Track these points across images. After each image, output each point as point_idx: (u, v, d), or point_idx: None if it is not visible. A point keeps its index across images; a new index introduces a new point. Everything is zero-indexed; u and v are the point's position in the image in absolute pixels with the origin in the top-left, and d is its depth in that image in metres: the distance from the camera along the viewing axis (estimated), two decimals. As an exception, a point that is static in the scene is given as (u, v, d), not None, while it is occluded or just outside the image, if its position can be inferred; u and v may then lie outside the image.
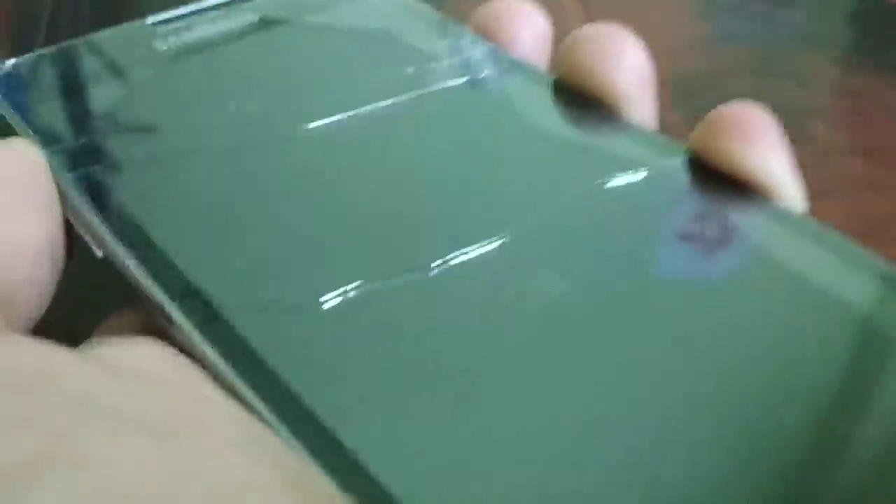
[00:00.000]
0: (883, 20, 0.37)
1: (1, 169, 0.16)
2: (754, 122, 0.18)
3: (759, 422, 0.13)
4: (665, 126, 0.29)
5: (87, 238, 0.16)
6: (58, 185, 0.17)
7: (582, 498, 0.12)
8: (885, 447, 0.13)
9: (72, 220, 0.17)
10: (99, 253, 0.16)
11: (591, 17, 0.36)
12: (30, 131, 0.18)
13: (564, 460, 0.12)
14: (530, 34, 0.21)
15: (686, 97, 0.32)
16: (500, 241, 0.16)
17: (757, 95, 0.33)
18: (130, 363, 0.13)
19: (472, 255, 0.15)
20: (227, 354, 0.14)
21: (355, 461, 0.12)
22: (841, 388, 0.14)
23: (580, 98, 0.19)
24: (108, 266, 0.16)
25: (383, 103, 0.19)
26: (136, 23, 0.22)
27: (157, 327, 0.15)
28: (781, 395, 0.13)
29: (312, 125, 0.18)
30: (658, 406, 0.13)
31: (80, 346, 0.14)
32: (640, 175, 0.17)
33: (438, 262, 0.15)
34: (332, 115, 0.19)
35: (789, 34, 0.36)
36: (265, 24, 0.22)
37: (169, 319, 0.14)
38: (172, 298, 0.15)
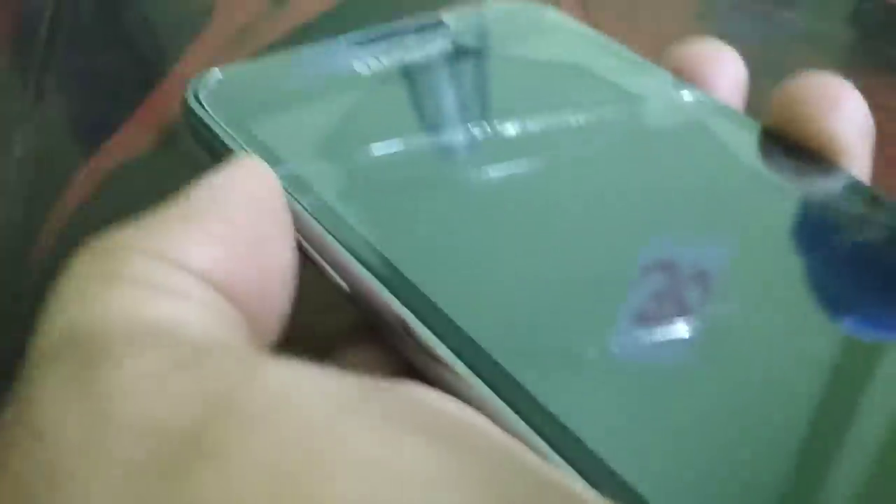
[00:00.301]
0: (883, 20, 0.37)
1: (246, 187, 0.16)
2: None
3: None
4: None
5: (329, 269, 0.16)
6: (292, 208, 0.16)
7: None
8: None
9: (308, 247, 0.16)
10: (345, 286, 0.16)
11: (590, 18, 0.36)
12: (247, 149, 0.18)
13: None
14: (728, 81, 0.20)
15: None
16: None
17: (757, 96, 0.33)
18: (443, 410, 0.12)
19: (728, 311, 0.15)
20: (515, 404, 0.13)
21: None
22: None
23: (794, 147, 0.18)
24: (354, 299, 0.15)
25: (592, 145, 0.19)
26: (333, 42, 0.22)
27: (416, 368, 0.14)
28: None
29: (530, 165, 0.18)
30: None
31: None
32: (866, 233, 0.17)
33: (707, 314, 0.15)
34: (544, 155, 0.18)
35: (789, 34, 0.36)
36: (459, 52, 0.22)
37: (447, 367, 0.14)
38: (453, 347, 0.14)
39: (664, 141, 0.19)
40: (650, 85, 0.21)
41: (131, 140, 0.30)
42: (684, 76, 0.20)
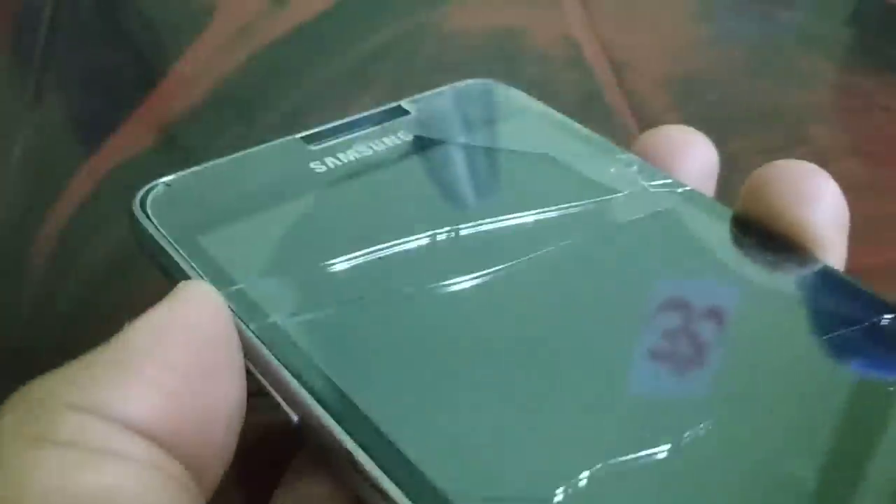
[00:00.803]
0: (882, 20, 0.37)
1: (189, 321, 0.15)
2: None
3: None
4: (665, 125, 0.29)
5: (279, 398, 0.15)
6: (239, 334, 0.15)
7: None
8: None
9: (256, 373, 0.15)
10: (294, 417, 0.15)
11: (591, 18, 0.36)
12: (195, 267, 0.17)
13: None
14: (698, 167, 0.20)
15: (686, 97, 0.32)
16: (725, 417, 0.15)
17: (757, 96, 0.33)
18: None
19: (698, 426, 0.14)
20: None
21: None
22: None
23: (766, 234, 0.18)
24: (303, 430, 0.14)
25: (561, 242, 0.18)
26: (288, 140, 0.21)
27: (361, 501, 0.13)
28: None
29: (498, 268, 0.17)
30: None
31: None
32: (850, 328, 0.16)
33: (685, 434, 0.14)
34: (516, 254, 0.17)
35: (789, 34, 0.36)
36: (421, 144, 0.21)
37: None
38: (402, 486, 0.13)
39: (634, 231, 0.18)
40: (619, 171, 0.20)
41: (131, 140, 0.30)
42: (654, 162, 0.20)
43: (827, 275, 0.17)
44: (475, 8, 0.36)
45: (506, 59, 0.34)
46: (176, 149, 0.30)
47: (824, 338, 0.16)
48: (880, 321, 0.16)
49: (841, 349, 0.16)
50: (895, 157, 0.30)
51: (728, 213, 0.19)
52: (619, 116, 0.31)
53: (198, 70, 0.33)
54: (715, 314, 0.17)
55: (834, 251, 0.18)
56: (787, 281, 0.17)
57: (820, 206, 0.18)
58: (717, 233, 0.18)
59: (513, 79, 0.23)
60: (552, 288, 0.17)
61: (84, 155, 0.30)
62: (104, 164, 0.29)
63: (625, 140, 0.24)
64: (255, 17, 0.36)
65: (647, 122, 0.31)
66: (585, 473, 0.13)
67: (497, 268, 0.17)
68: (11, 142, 0.30)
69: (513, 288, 0.17)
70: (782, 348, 0.16)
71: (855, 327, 0.16)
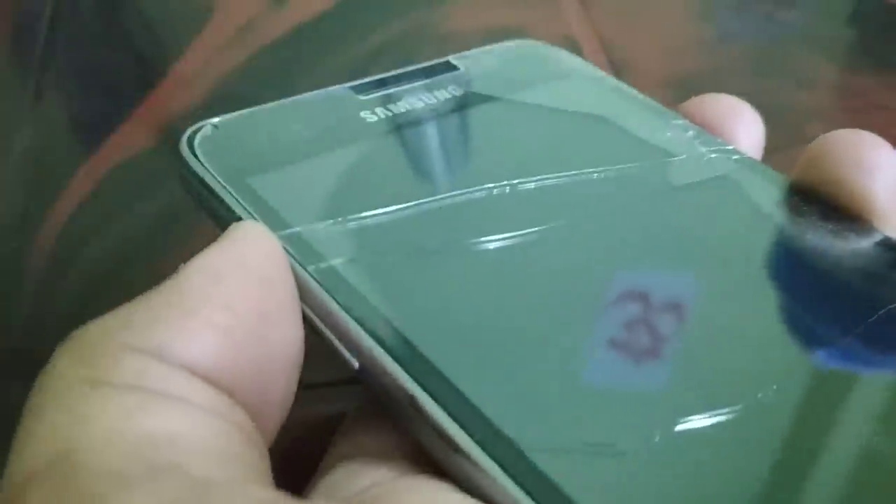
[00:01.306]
0: (883, 20, 0.37)
1: (247, 263, 0.14)
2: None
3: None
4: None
5: (338, 344, 0.14)
6: (296, 277, 0.15)
7: None
8: None
9: (313, 318, 0.15)
10: (355, 363, 0.14)
11: (590, 18, 0.36)
12: (247, 209, 0.16)
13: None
14: (748, 138, 0.20)
15: (685, 97, 0.32)
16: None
17: (757, 96, 0.33)
18: None
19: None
20: (537, 497, 0.12)
21: None
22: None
23: (824, 204, 0.18)
24: (363, 375, 0.14)
25: (613, 200, 0.18)
26: (337, 88, 0.20)
27: (427, 454, 0.13)
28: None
29: (554, 224, 0.17)
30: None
31: (328, 477, 0.13)
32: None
33: (759, 394, 0.14)
34: (573, 212, 0.17)
35: (789, 34, 0.36)
36: (472, 99, 0.21)
37: (459, 450, 0.13)
38: (470, 433, 0.13)
39: (688, 194, 0.18)
40: (675, 135, 0.20)
41: (131, 139, 0.30)
42: (705, 127, 0.20)
43: (886, 245, 0.17)
44: (474, 8, 0.36)
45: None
46: (176, 148, 0.30)
47: (886, 309, 0.16)
48: None
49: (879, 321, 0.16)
50: None
51: (786, 181, 0.18)
52: (619, 116, 0.31)
53: (198, 70, 0.33)
54: (770, 281, 0.16)
55: (893, 221, 0.18)
56: (844, 250, 0.17)
57: (880, 175, 0.17)
58: (774, 200, 0.18)
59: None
60: (611, 247, 0.17)
61: (83, 154, 0.30)
62: (104, 164, 0.29)
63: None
64: (254, 17, 0.36)
65: (648, 121, 0.31)
66: (657, 430, 0.13)
67: (553, 224, 0.17)
68: (11, 142, 0.30)
69: (572, 244, 0.17)
70: (842, 318, 0.16)
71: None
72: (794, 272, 0.17)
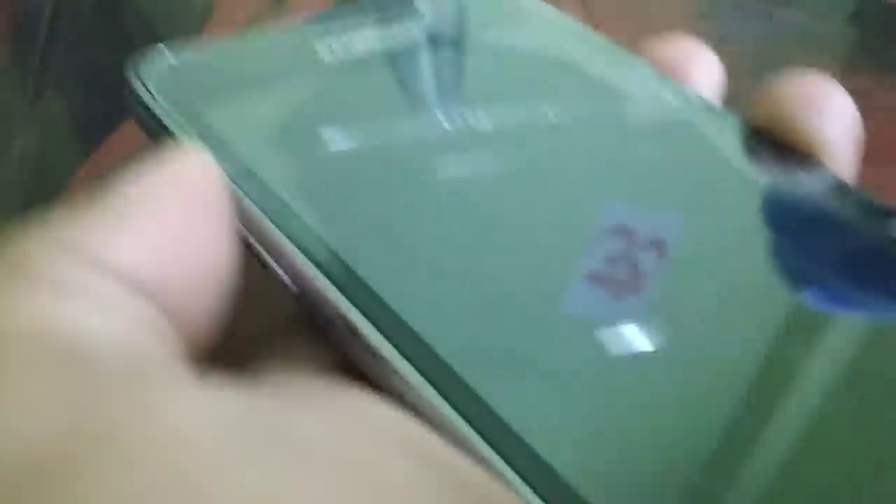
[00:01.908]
0: (883, 20, 0.37)
1: (180, 178, 0.14)
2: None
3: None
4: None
5: (274, 265, 0.15)
6: (236, 202, 0.15)
7: None
8: None
9: (254, 243, 0.15)
10: (293, 287, 0.15)
11: (591, 17, 0.36)
12: (196, 137, 0.16)
13: None
14: (707, 78, 0.20)
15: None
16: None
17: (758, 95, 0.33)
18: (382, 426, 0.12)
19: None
20: (464, 412, 0.13)
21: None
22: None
23: (777, 143, 0.18)
24: (300, 297, 0.14)
25: (569, 139, 0.18)
26: (296, 25, 0.20)
27: (365, 374, 0.14)
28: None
29: (507, 160, 0.17)
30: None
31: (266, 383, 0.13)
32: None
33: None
34: (515, 151, 0.17)
35: (790, 34, 0.36)
36: (431, 39, 0.20)
37: (398, 376, 0.13)
38: (402, 351, 0.13)
39: (646, 135, 0.19)
40: (631, 76, 0.20)
41: (132, 138, 0.30)
42: (664, 69, 0.20)
43: (835, 184, 0.17)
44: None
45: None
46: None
47: (836, 250, 0.16)
48: (888, 230, 0.16)
49: (850, 259, 0.16)
50: (895, 156, 0.30)
51: (742, 122, 0.19)
52: (619, 116, 0.31)
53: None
54: (723, 218, 0.17)
55: (842, 161, 0.18)
56: (793, 188, 0.18)
57: (832, 116, 0.18)
58: (732, 142, 0.19)
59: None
60: (561, 182, 0.17)
61: (85, 153, 0.30)
62: (105, 162, 0.29)
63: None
64: (254, 17, 0.36)
65: (648, 121, 0.31)
66: (590, 352, 0.14)
67: (505, 161, 0.17)
68: (11, 141, 0.30)
69: (510, 178, 0.17)
70: (798, 257, 0.16)
71: (865, 236, 0.16)
72: (750, 211, 0.17)
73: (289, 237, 0.15)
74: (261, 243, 0.15)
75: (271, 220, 0.15)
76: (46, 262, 0.12)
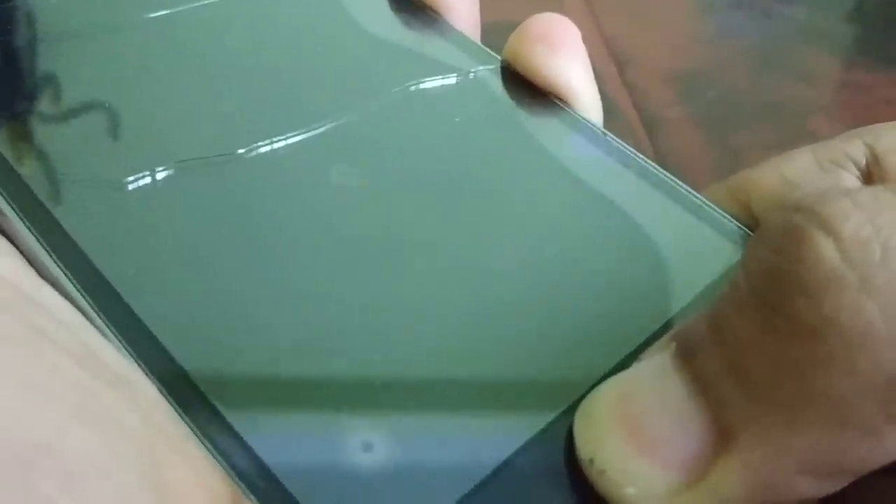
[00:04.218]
0: (885, 15, 0.37)
1: None
2: (558, 33, 0.19)
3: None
4: (668, 121, 0.29)
5: None
6: None
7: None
8: None
9: None
10: None
11: (594, 13, 0.36)
12: None
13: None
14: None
15: (688, 92, 0.32)
16: (309, 133, 0.17)
17: (758, 91, 0.33)
18: None
19: (280, 144, 0.16)
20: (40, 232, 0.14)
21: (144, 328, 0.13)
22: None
23: (409, 2, 0.20)
24: None
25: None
26: None
27: None
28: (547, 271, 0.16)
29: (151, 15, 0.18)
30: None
31: None
32: (453, 79, 0.19)
33: (245, 148, 0.16)
34: (170, 6, 0.19)
35: (792, 29, 0.36)
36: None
37: None
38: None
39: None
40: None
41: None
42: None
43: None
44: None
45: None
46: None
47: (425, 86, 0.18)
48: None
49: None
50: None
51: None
52: (621, 111, 0.31)
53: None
54: (333, 65, 0.18)
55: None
56: (405, 34, 0.20)
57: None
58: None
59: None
60: (196, 37, 0.18)
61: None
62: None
63: (627, 136, 0.23)
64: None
65: (649, 116, 0.31)
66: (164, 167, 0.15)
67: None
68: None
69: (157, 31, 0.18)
70: (392, 93, 0.18)
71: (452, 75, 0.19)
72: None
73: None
74: None
75: None
76: None
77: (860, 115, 0.31)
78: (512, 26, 0.21)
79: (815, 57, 0.35)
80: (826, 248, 0.11)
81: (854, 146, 0.17)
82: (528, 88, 0.19)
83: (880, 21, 0.37)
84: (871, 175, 0.16)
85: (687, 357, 0.12)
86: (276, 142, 0.16)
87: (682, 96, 0.32)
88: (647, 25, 0.36)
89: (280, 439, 0.12)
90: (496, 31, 0.25)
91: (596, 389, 0.13)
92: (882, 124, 0.17)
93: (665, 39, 0.35)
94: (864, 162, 0.17)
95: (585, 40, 0.20)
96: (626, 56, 0.34)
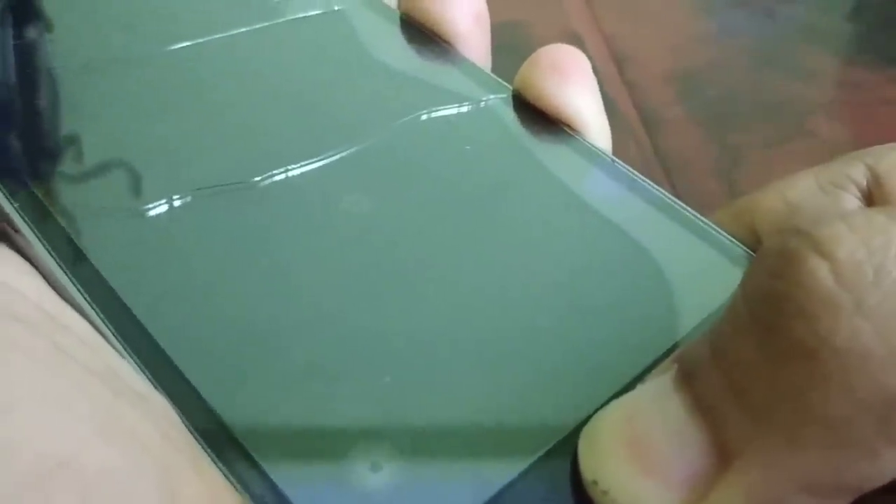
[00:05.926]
0: (885, 14, 0.37)
1: None
2: (568, 63, 0.19)
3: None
4: (668, 120, 0.29)
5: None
6: None
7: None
8: None
9: None
10: None
11: (593, 13, 0.36)
12: None
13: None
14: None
15: (687, 91, 0.32)
16: (324, 161, 0.17)
17: (759, 90, 0.33)
18: None
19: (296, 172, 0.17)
20: (62, 257, 0.14)
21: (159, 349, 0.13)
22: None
23: (422, 33, 0.20)
24: None
25: (233, 30, 0.20)
26: None
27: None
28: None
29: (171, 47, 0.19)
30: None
31: None
32: (465, 108, 0.19)
33: (261, 176, 0.16)
34: (187, 38, 0.19)
35: (792, 29, 0.36)
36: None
37: (9, 222, 0.15)
38: (11, 200, 0.15)
39: (302, 29, 0.20)
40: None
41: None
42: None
43: (454, 59, 0.20)
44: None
45: (508, 52, 0.34)
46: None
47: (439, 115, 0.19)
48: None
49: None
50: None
51: (394, 14, 0.21)
52: (620, 110, 0.31)
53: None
54: (348, 93, 0.19)
55: (471, 45, 0.20)
56: (418, 63, 0.20)
57: (456, 4, 0.20)
58: (377, 31, 0.21)
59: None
60: (214, 68, 0.19)
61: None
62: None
63: (627, 135, 0.24)
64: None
65: (649, 116, 0.31)
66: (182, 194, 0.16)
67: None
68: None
69: (180, 65, 0.19)
70: (406, 121, 0.18)
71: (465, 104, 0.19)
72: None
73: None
74: None
75: None
76: None
77: (860, 114, 0.31)
78: (515, 26, 0.21)
79: (815, 56, 0.35)
80: (821, 271, 0.11)
81: (855, 168, 0.17)
82: (538, 117, 0.19)
83: (880, 20, 0.37)
84: (871, 196, 0.17)
85: (688, 378, 0.12)
86: (291, 170, 0.17)
87: (681, 95, 0.32)
88: (646, 24, 0.36)
89: (291, 461, 0.13)
90: (499, 29, 0.25)
91: (600, 412, 0.13)
92: (883, 146, 0.18)
93: (665, 38, 0.35)
94: (864, 183, 0.17)
95: (586, 39, 0.20)
96: (625, 55, 0.34)
